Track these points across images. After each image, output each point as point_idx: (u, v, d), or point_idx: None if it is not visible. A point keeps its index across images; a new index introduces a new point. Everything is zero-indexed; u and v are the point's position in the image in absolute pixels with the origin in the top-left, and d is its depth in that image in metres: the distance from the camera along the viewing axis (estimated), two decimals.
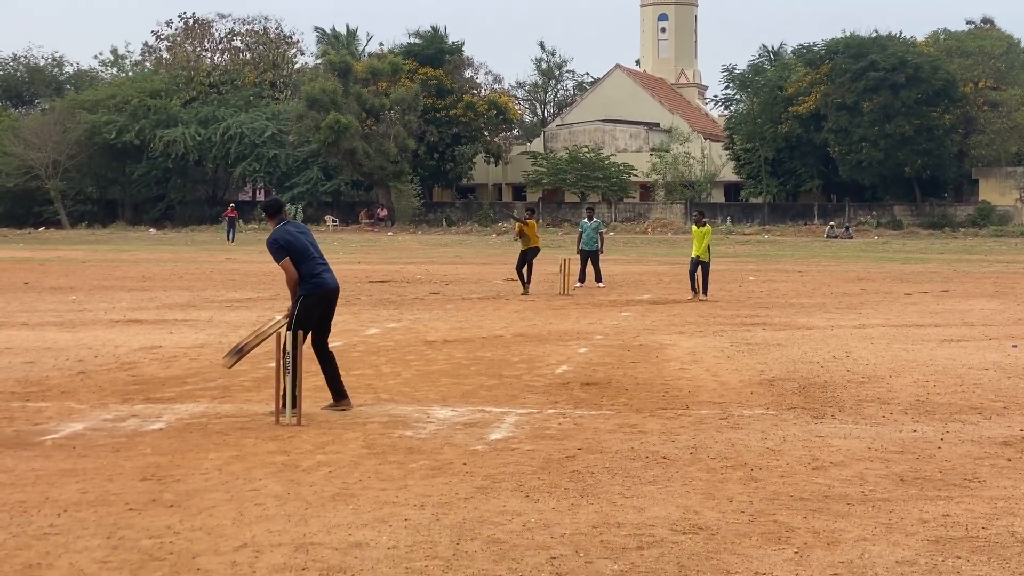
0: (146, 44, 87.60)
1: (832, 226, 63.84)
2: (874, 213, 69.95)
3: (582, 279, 26.62)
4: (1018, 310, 21.01)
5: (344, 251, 45.69)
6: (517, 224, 25.49)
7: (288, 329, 10.26)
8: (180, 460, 8.60)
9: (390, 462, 8.54)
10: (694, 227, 23.86)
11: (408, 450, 8.96)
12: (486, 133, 78.31)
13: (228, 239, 56.39)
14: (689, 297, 23.25)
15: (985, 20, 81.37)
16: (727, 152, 76.82)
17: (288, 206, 71.20)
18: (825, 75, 68.21)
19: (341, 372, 10.87)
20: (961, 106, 67.11)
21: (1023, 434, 9.56)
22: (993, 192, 69.27)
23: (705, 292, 23.39)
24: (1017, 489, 7.75)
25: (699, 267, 23.36)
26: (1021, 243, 56.09)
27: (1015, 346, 15.36)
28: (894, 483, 7.91)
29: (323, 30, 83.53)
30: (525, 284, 24.59)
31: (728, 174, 77.10)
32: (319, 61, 79.20)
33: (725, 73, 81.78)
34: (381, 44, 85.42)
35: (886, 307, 21.80)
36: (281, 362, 10.11)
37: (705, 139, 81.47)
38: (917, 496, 7.57)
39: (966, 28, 77.75)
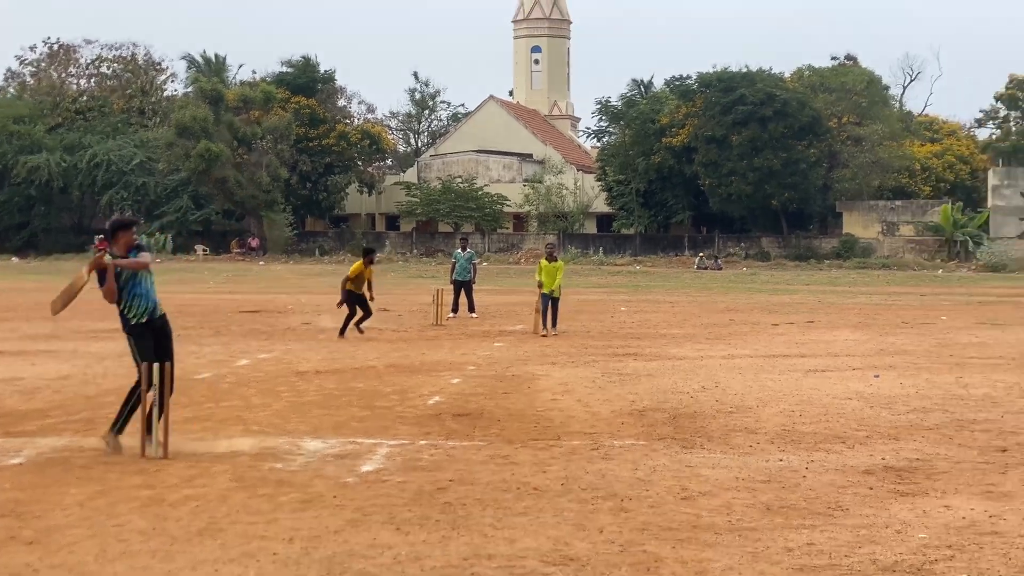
0: (9, 70, 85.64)
1: (702, 257, 64.86)
2: (743, 245, 71.24)
3: (455, 309, 26.62)
4: (880, 341, 21.54)
5: (215, 280, 45.08)
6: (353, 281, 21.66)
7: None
8: (40, 495, 8.37)
9: (259, 495, 8.42)
10: (544, 262, 22.84)
11: (278, 483, 8.84)
12: (359, 163, 78.04)
13: None
14: (543, 334, 22.11)
15: (848, 57, 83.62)
16: (599, 183, 77.64)
17: (156, 234, 70.12)
18: (698, 108, 69.36)
19: (211, 404, 10.71)
20: (826, 140, 68.79)
21: (884, 463, 9.79)
22: (856, 225, 71.05)
23: (555, 325, 22.47)
24: (878, 518, 7.92)
25: (549, 303, 22.44)
26: (883, 275, 57.60)
27: (877, 376, 15.74)
28: (760, 512, 8.03)
29: (192, 57, 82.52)
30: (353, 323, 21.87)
31: (600, 205, 77.89)
32: (189, 89, 78.21)
33: (598, 105, 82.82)
34: (253, 72, 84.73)
35: (754, 338, 22.17)
36: (147, 394, 9.92)
37: (578, 170, 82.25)
38: (783, 525, 7.69)
39: (830, 64, 79.77)
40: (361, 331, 21.68)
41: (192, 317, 25.81)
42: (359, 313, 21.71)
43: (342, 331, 21.55)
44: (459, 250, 27.54)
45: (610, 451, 10.24)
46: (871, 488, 8.83)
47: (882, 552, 7.07)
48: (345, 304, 21.76)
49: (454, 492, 8.55)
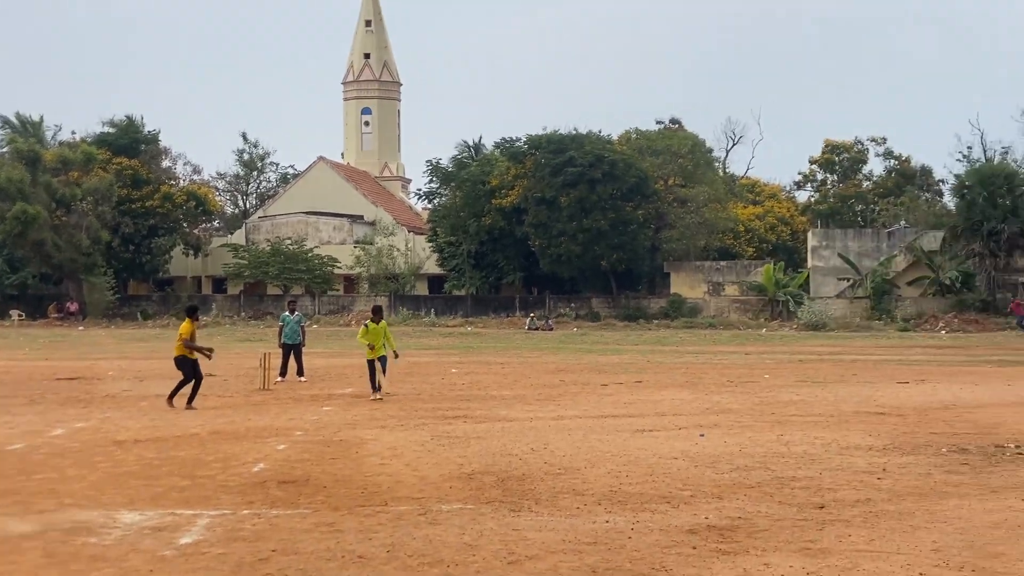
0: None
1: (533, 318, 65.30)
2: (573, 305, 71.93)
3: (283, 373, 26.20)
4: (706, 399, 21.89)
5: (31, 347, 43.63)
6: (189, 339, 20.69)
7: None
8: None
9: (71, 571, 8.11)
10: (370, 324, 22.54)
11: (91, 558, 8.52)
12: (185, 224, 76.71)
13: None
14: (373, 398, 21.83)
15: (673, 121, 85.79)
16: (431, 245, 77.78)
17: None
18: (528, 170, 70.11)
19: (23, 476, 10.30)
20: (653, 202, 70.13)
21: (708, 522, 9.89)
22: (684, 285, 72.54)
23: (379, 389, 22.12)
24: None
25: (377, 364, 22.16)
26: (710, 334, 58.77)
27: (703, 435, 15.97)
28: (586, 575, 8.01)
29: (6, 118, 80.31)
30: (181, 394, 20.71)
31: (432, 267, 77.97)
32: (4, 149, 75.98)
33: (428, 167, 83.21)
34: (73, 133, 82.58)
35: (584, 398, 22.32)
36: None
37: (409, 232, 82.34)
38: None
39: (656, 128, 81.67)
40: (192, 407, 20.14)
41: (4, 386, 24.87)
42: (192, 380, 20.83)
43: (170, 397, 20.52)
44: (287, 312, 27.17)
45: (438, 516, 10.14)
46: (694, 547, 8.90)
47: None
48: (179, 369, 20.77)
49: (276, 563, 8.35)
